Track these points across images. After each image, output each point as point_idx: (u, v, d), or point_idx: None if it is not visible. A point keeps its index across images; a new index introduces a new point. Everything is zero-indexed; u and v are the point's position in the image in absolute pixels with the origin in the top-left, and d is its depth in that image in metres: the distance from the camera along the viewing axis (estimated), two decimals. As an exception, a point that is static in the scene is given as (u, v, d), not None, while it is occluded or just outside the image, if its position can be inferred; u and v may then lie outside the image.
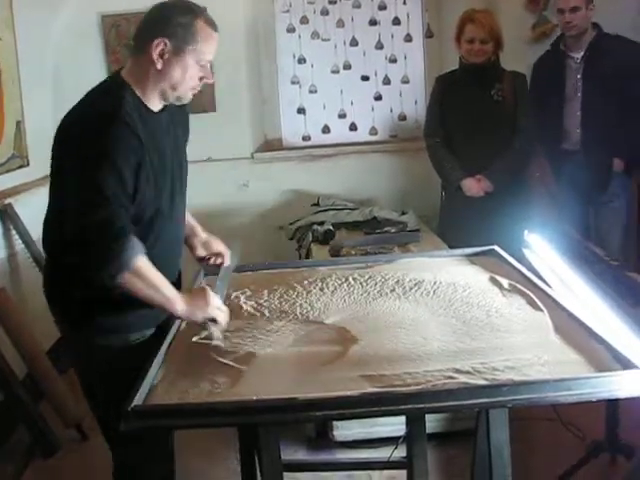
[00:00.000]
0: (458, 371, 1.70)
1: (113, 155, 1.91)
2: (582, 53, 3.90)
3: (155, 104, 2.12)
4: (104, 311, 2.09)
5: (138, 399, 1.63)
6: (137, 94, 2.07)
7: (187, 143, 2.37)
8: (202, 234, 2.50)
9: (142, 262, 1.94)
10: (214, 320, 2.02)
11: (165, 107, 2.17)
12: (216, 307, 2.03)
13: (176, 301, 1.99)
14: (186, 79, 2.06)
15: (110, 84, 2.11)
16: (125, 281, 1.92)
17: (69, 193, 1.97)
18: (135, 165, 1.97)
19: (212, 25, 2.09)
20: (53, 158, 2.12)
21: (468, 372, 1.69)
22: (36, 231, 3.82)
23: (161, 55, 2.01)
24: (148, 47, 2.01)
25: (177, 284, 2.27)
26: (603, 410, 2.68)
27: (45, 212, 2.21)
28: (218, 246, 2.49)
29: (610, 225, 4.03)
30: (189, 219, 2.46)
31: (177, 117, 2.27)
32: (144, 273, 1.94)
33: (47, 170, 4.64)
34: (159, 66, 2.02)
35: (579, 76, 3.92)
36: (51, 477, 3.16)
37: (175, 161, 2.21)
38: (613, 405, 2.60)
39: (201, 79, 2.10)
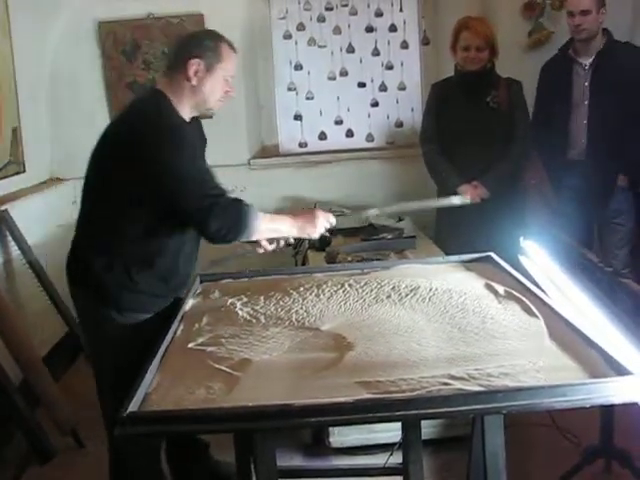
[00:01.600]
0: (453, 377, 1.70)
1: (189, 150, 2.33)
2: (591, 60, 3.82)
3: (186, 115, 2.46)
4: (125, 294, 2.40)
5: (134, 405, 1.63)
6: (175, 107, 2.41)
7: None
8: None
9: (259, 219, 2.35)
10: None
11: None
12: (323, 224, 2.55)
13: (292, 229, 2.50)
14: (215, 93, 2.44)
15: (157, 99, 2.41)
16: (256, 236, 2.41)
17: (156, 187, 2.27)
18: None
19: (232, 47, 2.48)
20: (109, 158, 2.40)
21: (463, 378, 1.70)
22: (32, 237, 3.83)
23: (195, 73, 2.38)
24: (183, 66, 2.38)
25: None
26: (598, 416, 2.68)
27: (83, 212, 2.55)
28: None
29: (616, 242, 3.97)
30: None
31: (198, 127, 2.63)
32: (263, 225, 2.39)
33: (43, 176, 4.66)
34: (194, 82, 2.40)
35: (587, 83, 3.84)
36: (47, 484, 3.15)
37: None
38: (608, 411, 2.60)
39: (226, 92, 2.48)
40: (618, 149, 3.79)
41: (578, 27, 3.75)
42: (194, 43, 2.44)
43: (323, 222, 2.55)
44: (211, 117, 2.63)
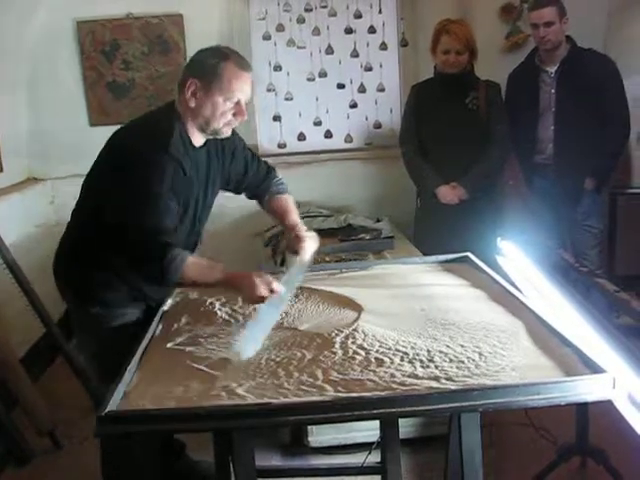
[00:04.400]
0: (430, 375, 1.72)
1: (161, 183, 2.17)
2: (556, 67, 3.93)
3: (197, 139, 2.35)
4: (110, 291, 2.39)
5: (112, 405, 1.63)
6: (184, 128, 2.30)
7: (235, 160, 2.60)
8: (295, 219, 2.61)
9: (187, 266, 2.14)
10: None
11: (206, 142, 2.39)
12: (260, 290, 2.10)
13: (223, 283, 2.18)
14: (217, 115, 2.26)
15: (168, 115, 2.31)
16: (182, 282, 2.22)
17: (116, 204, 2.19)
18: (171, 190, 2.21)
19: (240, 66, 2.26)
20: (101, 162, 2.37)
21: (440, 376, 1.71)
22: (9, 237, 3.80)
23: (193, 94, 2.24)
24: (183, 87, 2.25)
25: None
26: (574, 414, 2.70)
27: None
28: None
29: (587, 243, 4.05)
30: (289, 204, 2.66)
31: (224, 147, 2.51)
32: (191, 274, 2.16)
33: (21, 176, 4.62)
34: (192, 104, 2.25)
35: (553, 90, 3.96)
36: (24, 486, 3.14)
37: (205, 188, 2.45)
38: (583, 409, 2.63)
39: (234, 115, 2.28)
40: (584, 153, 3.87)
41: (543, 39, 3.86)
42: (194, 61, 2.30)
43: (259, 289, 2.10)
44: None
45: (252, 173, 2.66)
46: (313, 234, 2.49)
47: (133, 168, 2.17)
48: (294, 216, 2.60)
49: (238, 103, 2.27)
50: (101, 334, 2.42)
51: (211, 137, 2.37)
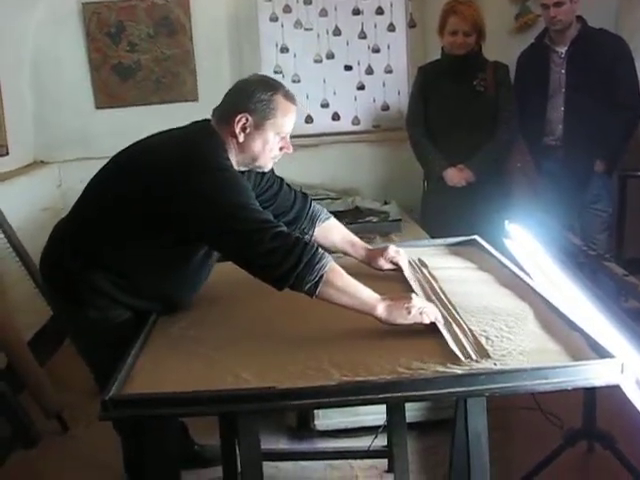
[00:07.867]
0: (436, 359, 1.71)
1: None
2: (566, 47, 3.90)
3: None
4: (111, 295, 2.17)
5: (116, 389, 1.63)
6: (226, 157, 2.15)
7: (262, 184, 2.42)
8: (365, 245, 2.57)
9: (332, 270, 1.94)
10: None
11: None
12: (418, 312, 1.91)
13: (375, 306, 1.92)
14: (266, 150, 2.17)
15: (210, 141, 2.14)
16: (319, 292, 1.94)
17: (200, 223, 2.01)
18: None
19: (291, 99, 2.18)
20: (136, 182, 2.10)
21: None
22: (16, 221, 3.80)
23: (243, 129, 2.12)
24: (231, 120, 2.12)
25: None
26: (581, 399, 2.69)
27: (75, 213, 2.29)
28: (393, 254, 2.45)
29: (596, 227, 4.03)
30: (347, 233, 2.59)
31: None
32: (335, 282, 1.93)
33: (27, 159, 4.59)
34: (241, 139, 2.13)
35: (563, 71, 3.92)
36: (32, 468, 3.14)
37: None
38: (590, 393, 2.62)
39: (281, 149, 2.20)
40: (594, 135, 3.84)
41: (553, 19, 3.83)
42: (244, 95, 2.14)
43: (415, 313, 1.91)
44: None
45: (283, 194, 2.48)
46: (394, 247, 2.47)
47: (199, 165, 2.02)
48: (360, 241, 2.57)
49: (284, 137, 2.20)
50: (100, 337, 2.21)
51: (248, 169, 2.25)
